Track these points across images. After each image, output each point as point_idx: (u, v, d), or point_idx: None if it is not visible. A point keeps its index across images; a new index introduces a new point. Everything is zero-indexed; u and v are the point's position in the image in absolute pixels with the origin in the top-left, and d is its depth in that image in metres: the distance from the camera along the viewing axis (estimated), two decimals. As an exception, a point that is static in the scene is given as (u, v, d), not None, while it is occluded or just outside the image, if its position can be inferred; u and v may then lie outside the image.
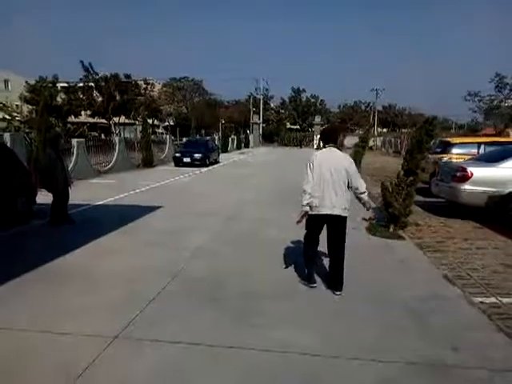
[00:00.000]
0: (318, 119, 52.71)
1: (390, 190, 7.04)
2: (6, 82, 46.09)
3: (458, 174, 8.02)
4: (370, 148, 36.82)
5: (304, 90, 66.77)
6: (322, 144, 4.52)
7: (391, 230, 6.94)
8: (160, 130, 52.33)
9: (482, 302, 4.11)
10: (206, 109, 52.76)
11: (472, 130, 53.00)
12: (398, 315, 3.81)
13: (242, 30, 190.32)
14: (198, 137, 41.39)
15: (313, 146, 43.55)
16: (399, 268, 5.24)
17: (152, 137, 23.12)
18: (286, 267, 5.15)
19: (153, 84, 46.78)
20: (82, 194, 10.07)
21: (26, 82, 39.45)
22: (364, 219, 7.80)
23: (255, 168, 20.12)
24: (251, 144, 47.93)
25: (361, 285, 4.54)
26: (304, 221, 4.44)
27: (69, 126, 28.18)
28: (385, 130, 74.46)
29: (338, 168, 4.19)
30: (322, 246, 4.64)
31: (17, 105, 30.92)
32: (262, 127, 57.46)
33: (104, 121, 42.81)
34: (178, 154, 20.86)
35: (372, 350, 3.19)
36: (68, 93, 40.40)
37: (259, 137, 54.47)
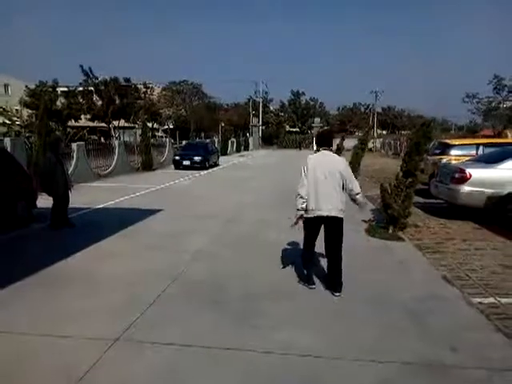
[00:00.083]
0: (317, 122, 52.81)
1: (389, 191, 7.07)
2: (6, 86, 46.17)
3: (457, 176, 8.05)
4: (370, 150, 36.89)
5: (303, 93, 67.01)
6: (316, 147, 4.58)
7: (390, 231, 6.96)
8: (159, 134, 52.39)
9: (480, 303, 4.14)
10: (206, 112, 52.83)
11: (471, 131, 53.12)
12: (397, 316, 3.83)
13: (240, 33, 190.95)
14: (197, 140, 41.47)
15: (312, 148, 43.65)
16: (398, 269, 5.26)
17: (151, 140, 23.19)
18: (284, 267, 5.19)
19: (152, 88, 46.82)
20: (82, 197, 10.10)
21: (26, 86, 39.53)
22: (363, 221, 7.83)
23: (255, 171, 20.16)
24: (251, 147, 47.99)
25: (360, 286, 4.56)
26: (301, 223, 4.49)
27: (69, 129, 28.22)
28: (384, 131, 74.55)
29: (332, 170, 4.25)
30: (321, 248, 4.67)
31: (17, 109, 30.95)
32: (262, 130, 57.59)
33: (104, 124, 42.82)
34: (177, 157, 20.90)
35: (372, 350, 3.21)
36: (68, 97, 40.45)
37: (259, 139, 54.58)
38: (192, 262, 5.48)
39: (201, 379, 2.88)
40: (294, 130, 65.91)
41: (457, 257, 5.75)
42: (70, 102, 39.83)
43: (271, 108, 68.04)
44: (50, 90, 39.07)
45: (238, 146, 42.02)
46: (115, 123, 43.01)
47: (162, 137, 43.46)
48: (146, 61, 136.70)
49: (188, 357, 3.15)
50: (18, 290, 4.46)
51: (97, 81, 40.23)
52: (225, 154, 33.57)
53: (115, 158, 17.40)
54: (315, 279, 4.63)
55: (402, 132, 66.79)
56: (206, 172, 19.42)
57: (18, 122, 26.89)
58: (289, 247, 6.02)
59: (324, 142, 4.49)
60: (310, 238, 4.50)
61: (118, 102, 40.79)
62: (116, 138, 34.62)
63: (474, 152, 11.09)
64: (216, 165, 23.26)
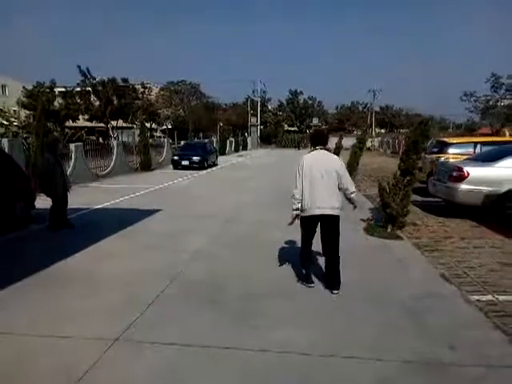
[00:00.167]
0: (315, 121, 52.88)
1: (388, 190, 7.08)
2: (3, 87, 46.09)
3: (455, 174, 8.08)
4: (368, 149, 36.96)
5: (301, 92, 67.05)
6: (311, 146, 4.62)
7: (389, 230, 6.98)
8: (158, 134, 52.39)
9: (478, 300, 4.15)
10: (204, 112, 52.77)
11: (469, 129, 53.23)
12: (396, 314, 3.85)
13: (239, 33, 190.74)
14: (195, 140, 41.45)
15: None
16: (397, 268, 5.27)
17: (150, 140, 23.16)
18: (283, 266, 5.20)
19: (150, 88, 46.79)
20: (80, 198, 10.09)
21: (24, 87, 39.46)
22: (362, 220, 7.84)
23: (253, 170, 20.17)
24: (249, 146, 47.97)
25: (359, 285, 4.58)
26: (298, 222, 4.53)
27: (67, 130, 28.23)
28: (382, 130, 74.63)
29: (328, 169, 4.28)
30: (319, 247, 4.68)
31: (14, 110, 30.91)
32: (260, 129, 57.56)
33: (102, 125, 42.78)
34: (176, 157, 20.89)
35: (370, 349, 3.22)
36: (65, 97, 40.40)
37: (257, 139, 54.55)
38: (191, 261, 5.49)
39: (200, 379, 2.89)
40: (293, 129, 65.94)
41: (455, 255, 5.77)
42: (68, 102, 39.78)
43: (269, 107, 68.04)
44: (48, 90, 39.02)
45: (236, 145, 42.00)
46: (113, 123, 42.96)
47: (160, 137, 43.46)
48: (144, 61, 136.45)
49: (187, 356, 3.15)
50: (17, 290, 4.46)
51: (94, 81, 40.16)
52: (223, 153, 33.56)
53: (113, 158, 17.38)
54: (314, 278, 4.64)
55: (401, 131, 66.86)
56: (204, 172, 19.42)
57: (15, 123, 26.84)
58: (287, 246, 6.03)
59: (319, 141, 4.52)
60: (307, 237, 4.53)
61: (115, 102, 40.74)
62: (114, 138, 34.56)
63: (471, 150, 11.12)
64: (215, 165, 23.26)
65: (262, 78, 69.27)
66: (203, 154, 21.32)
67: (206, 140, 31.72)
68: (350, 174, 13.46)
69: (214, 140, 35.60)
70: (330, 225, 4.35)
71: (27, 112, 33.30)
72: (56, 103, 39.22)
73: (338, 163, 4.39)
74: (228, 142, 38.86)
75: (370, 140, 41.68)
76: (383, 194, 7.11)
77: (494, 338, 3.42)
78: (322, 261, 4.90)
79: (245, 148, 45.58)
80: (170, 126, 53.51)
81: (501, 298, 4.21)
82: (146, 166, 19.39)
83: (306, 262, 4.64)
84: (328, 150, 4.56)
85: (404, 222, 7.10)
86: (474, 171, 7.91)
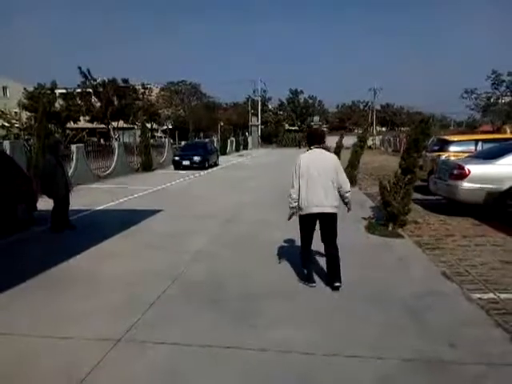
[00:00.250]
0: (316, 120, 52.79)
1: (389, 188, 7.08)
2: (4, 88, 46.21)
3: (456, 172, 8.06)
4: (369, 147, 36.89)
5: (302, 92, 67.01)
6: (308, 145, 4.66)
7: (390, 228, 6.98)
8: (159, 134, 52.47)
9: (480, 298, 4.15)
10: (205, 112, 52.84)
11: (470, 127, 53.13)
12: (397, 313, 3.85)
13: (239, 33, 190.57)
14: (196, 140, 41.47)
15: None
16: (398, 266, 5.27)
17: (151, 141, 23.20)
18: (284, 266, 5.20)
19: (150, 88, 46.88)
20: (82, 199, 10.12)
21: (25, 88, 39.56)
22: (363, 218, 7.84)
23: (254, 170, 20.17)
24: (250, 146, 47.98)
25: (360, 283, 4.58)
26: (296, 218, 4.59)
27: (68, 131, 28.26)
28: (383, 128, 74.53)
29: (325, 168, 4.34)
30: (317, 246, 4.69)
31: (15, 112, 30.99)
32: (261, 129, 57.56)
33: (103, 126, 42.88)
34: (177, 158, 20.91)
35: (371, 347, 3.22)
36: (66, 99, 40.51)
37: (258, 138, 54.55)
38: (192, 262, 5.50)
39: (202, 378, 2.90)
40: (293, 128, 65.88)
41: (456, 253, 5.77)
42: (69, 103, 39.90)
43: (270, 107, 68.03)
44: (49, 92, 39.13)
45: (237, 145, 42.02)
46: (114, 124, 43.05)
47: (161, 137, 43.53)
48: (144, 61, 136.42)
49: (189, 356, 3.16)
50: (19, 292, 4.48)
51: (95, 82, 40.24)
52: (224, 153, 33.58)
53: (115, 159, 17.41)
54: (315, 277, 4.65)
55: (402, 129, 66.74)
56: (205, 172, 19.43)
57: (16, 125, 26.97)
58: (288, 246, 6.04)
59: (315, 140, 4.57)
60: (306, 235, 4.55)
61: (116, 103, 40.85)
62: (116, 139, 34.62)
63: (472, 148, 11.09)
64: (216, 165, 23.27)
65: (262, 78, 69.14)
66: (204, 154, 21.33)
67: (207, 140, 31.73)
68: (352, 173, 13.39)
69: (215, 140, 35.63)
70: (328, 222, 4.42)
71: (28, 114, 33.40)
72: (57, 105, 39.32)
73: (334, 162, 4.45)
74: (229, 141, 38.88)
75: (370, 138, 41.60)
76: (384, 192, 7.11)
77: (495, 336, 3.42)
78: (322, 260, 4.91)
79: (245, 147, 45.58)
80: (170, 127, 53.60)
81: (502, 296, 4.21)
82: (147, 167, 19.41)
83: (307, 262, 4.66)
84: (326, 148, 4.58)
85: (405, 220, 7.10)
86: (475, 169, 7.90)
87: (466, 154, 10.12)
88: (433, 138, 14.45)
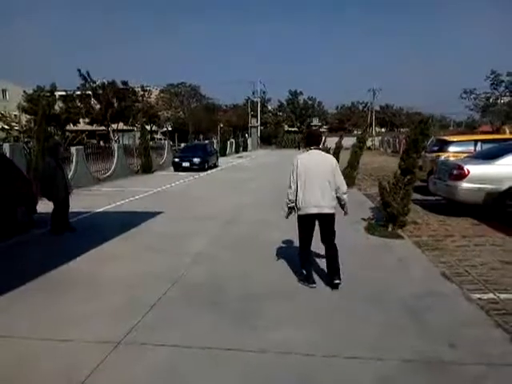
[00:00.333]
0: (315, 121, 52.86)
1: (388, 189, 7.09)
2: (3, 91, 46.20)
3: (455, 172, 8.07)
4: (369, 148, 36.95)
5: (301, 93, 67.09)
6: (304, 147, 4.76)
7: (390, 229, 6.98)
8: (158, 136, 52.44)
9: (480, 299, 4.15)
10: (204, 113, 52.90)
11: (469, 127, 53.16)
12: (397, 313, 3.85)
13: (238, 34, 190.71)
14: (196, 141, 41.50)
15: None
16: (398, 266, 5.28)
17: (150, 143, 23.20)
18: (284, 267, 5.20)
19: (150, 90, 46.92)
20: (81, 201, 10.13)
21: (24, 91, 39.56)
22: (363, 219, 7.85)
23: (254, 172, 20.18)
24: (249, 147, 48.01)
25: (360, 283, 4.59)
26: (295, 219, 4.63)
27: (67, 134, 28.27)
28: (383, 129, 74.58)
29: (323, 169, 4.39)
30: (316, 248, 4.70)
31: (15, 114, 30.99)
32: (260, 130, 57.60)
33: (102, 128, 42.89)
34: (176, 159, 20.93)
35: (371, 348, 3.23)
36: (66, 101, 40.52)
37: (257, 140, 54.59)
38: (192, 264, 5.50)
39: (202, 381, 2.90)
40: (293, 129, 65.94)
41: (456, 253, 5.77)
42: (68, 106, 39.91)
43: (269, 108, 68.11)
44: (48, 94, 39.12)
45: (236, 146, 42.06)
46: (114, 126, 43.05)
47: (160, 139, 43.49)
48: (144, 62, 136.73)
49: (189, 358, 3.17)
50: (19, 295, 4.48)
51: (95, 84, 40.28)
52: (224, 155, 33.59)
53: (114, 161, 17.41)
54: (315, 277, 4.65)
55: (401, 129, 66.79)
56: (205, 174, 19.44)
57: (16, 128, 26.97)
58: (288, 247, 6.04)
59: (313, 141, 4.61)
60: (305, 236, 4.58)
61: (116, 105, 40.86)
62: (115, 141, 34.62)
63: (472, 148, 11.11)
64: (215, 166, 23.28)
65: (261, 79, 69.25)
66: (204, 155, 21.35)
67: (207, 141, 31.78)
68: (351, 174, 13.40)
69: (215, 141, 35.67)
70: (326, 222, 4.47)
71: (28, 116, 33.38)
72: (56, 107, 39.31)
73: (332, 163, 4.49)
74: (228, 143, 38.92)
75: (370, 139, 41.68)
76: (384, 193, 7.12)
77: (495, 336, 3.42)
78: (320, 261, 4.91)
79: (245, 149, 45.61)
80: (170, 128, 53.65)
81: (502, 296, 4.21)
82: (147, 169, 19.42)
83: (306, 263, 4.66)
84: (326, 149, 4.62)
85: (405, 220, 7.11)
86: (475, 169, 7.91)
87: (466, 155, 10.14)
88: (432, 139, 14.48)
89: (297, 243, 4.86)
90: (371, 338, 3.41)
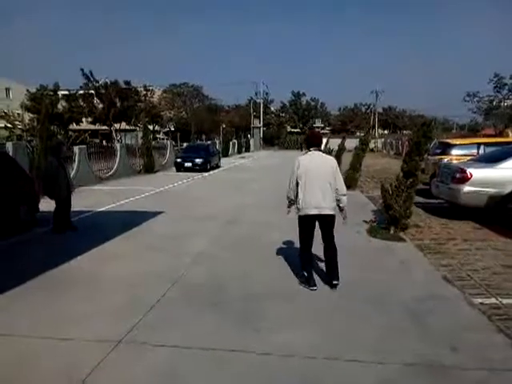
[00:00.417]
0: (318, 122, 52.84)
1: (390, 192, 7.07)
2: (7, 90, 46.33)
3: (458, 176, 8.05)
4: (371, 150, 36.84)
5: (304, 94, 67.09)
6: (306, 148, 4.72)
7: (392, 231, 6.97)
8: (161, 136, 52.50)
9: (481, 303, 4.13)
10: (207, 114, 52.98)
11: (472, 130, 53.02)
12: (398, 316, 3.84)
13: (240, 34, 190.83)
14: (198, 142, 41.53)
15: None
16: (399, 270, 5.26)
17: (153, 142, 23.21)
18: (285, 269, 5.19)
19: (152, 90, 46.97)
20: (83, 200, 10.14)
21: (27, 90, 39.66)
22: (365, 221, 7.83)
23: (256, 172, 20.18)
24: (252, 148, 48.04)
25: (361, 287, 4.57)
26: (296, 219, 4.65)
27: (70, 133, 28.34)
28: (385, 131, 74.48)
29: (323, 170, 4.41)
30: (316, 250, 4.69)
31: (18, 113, 31.07)
32: (263, 131, 57.63)
33: (105, 127, 42.96)
34: (179, 160, 20.95)
35: (372, 351, 3.21)
36: (69, 100, 40.59)
37: (260, 140, 54.64)
38: (193, 264, 5.49)
39: (202, 381, 2.89)
40: (296, 130, 65.94)
41: (458, 257, 5.75)
42: (71, 105, 39.94)
43: (272, 109, 68.12)
44: (51, 93, 39.18)
45: (239, 147, 42.09)
46: (116, 126, 43.11)
47: (163, 139, 43.55)
48: (146, 63, 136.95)
49: (189, 359, 3.16)
50: (20, 293, 4.48)
51: (97, 84, 40.35)
52: (226, 155, 33.62)
53: (117, 160, 17.44)
54: (316, 279, 4.65)
55: (404, 132, 66.69)
56: (207, 174, 19.46)
57: (19, 126, 27.04)
58: (290, 248, 6.02)
59: (314, 142, 4.63)
60: (305, 237, 4.59)
61: (118, 104, 40.90)
62: (118, 140, 34.69)
63: (474, 151, 11.09)
64: (217, 167, 23.29)
65: (264, 80, 69.17)
66: (206, 156, 21.36)
67: (209, 142, 31.79)
68: (353, 176, 13.36)
69: (217, 142, 35.68)
70: (326, 223, 4.51)
71: (31, 115, 33.46)
72: (59, 106, 39.37)
73: (332, 164, 4.52)
74: (231, 143, 38.94)
75: (372, 141, 41.59)
76: (386, 195, 7.10)
77: (496, 341, 3.40)
78: (321, 263, 4.90)
79: (247, 150, 45.63)
80: (172, 128, 53.68)
81: (504, 301, 4.18)
82: (149, 169, 19.44)
83: (307, 265, 4.65)
84: (329, 151, 4.63)
85: (407, 223, 7.09)
86: (477, 172, 7.89)
87: (468, 158, 10.11)
88: (435, 141, 14.45)
89: (297, 244, 4.85)
90: (372, 340, 3.40)
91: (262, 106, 57.83)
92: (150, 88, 46.05)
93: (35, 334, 3.53)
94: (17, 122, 27.93)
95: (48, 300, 4.30)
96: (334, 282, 4.49)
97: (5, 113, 28.57)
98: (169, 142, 25.85)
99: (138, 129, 40.55)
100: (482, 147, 11.22)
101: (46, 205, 7.83)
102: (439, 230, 7.51)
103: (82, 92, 41.26)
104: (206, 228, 7.62)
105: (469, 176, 7.85)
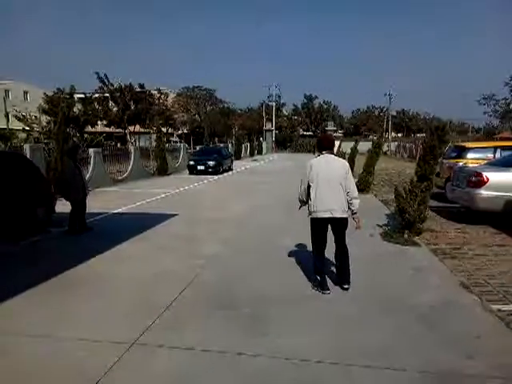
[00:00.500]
0: (331, 125, 52.52)
1: (404, 195, 7.00)
2: (25, 93, 47.38)
3: (474, 179, 7.92)
4: (385, 153, 36.52)
5: (316, 97, 66.96)
6: (318, 151, 4.73)
7: (406, 236, 6.88)
8: (174, 139, 52.95)
9: (499, 310, 4.05)
10: (220, 117, 53.31)
11: (489, 133, 52.10)
12: (413, 323, 3.78)
13: (253, 37, 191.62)
14: (211, 145, 41.80)
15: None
16: (414, 274, 5.19)
17: (166, 145, 23.42)
18: (298, 273, 5.17)
19: (166, 93, 47.47)
20: (99, 202, 10.29)
21: (45, 93, 40.48)
22: (378, 225, 7.76)
23: (268, 175, 20.17)
24: (264, 151, 48.11)
25: (374, 292, 4.53)
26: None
27: (86, 135, 28.81)
28: (399, 134, 73.74)
29: (335, 173, 4.41)
30: (330, 254, 4.67)
31: (35, 116, 31.71)
32: (275, 134, 57.64)
33: (120, 130, 43.58)
34: (191, 162, 21.08)
35: (385, 357, 3.18)
36: (84, 103, 41.29)
37: (272, 143, 54.67)
38: (207, 266, 5.52)
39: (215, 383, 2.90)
40: (308, 133, 65.78)
41: (475, 262, 5.65)
42: (87, 108, 40.59)
43: (284, 112, 68.11)
44: (68, 96, 39.89)
45: (251, 150, 42.20)
46: (131, 129, 43.68)
47: (176, 142, 43.89)
48: (160, 66, 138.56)
49: (203, 361, 3.17)
50: (36, 294, 4.57)
51: (112, 87, 40.97)
52: (238, 158, 33.75)
53: (131, 163, 17.66)
54: (329, 283, 4.62)
55: (418, 135, 65.90)
56: (219, 177, 19.53)
57: (36, 129, 27.59)
58: (303, 252, 6.01)
59: (326, 145, 4.62)
60: (318, 240, 4.59)
61: (133, 107, 41.48)
62: (132, 143, 35.13)
63: (491, 155, 10.90)
64: (230, 169, 23.37)
65: (276, 83, 69.19)
66: (218, 159, 21.46)
67: (222, 145, 31.90)
68: (367, 179, 13.26)
69: (230, 145, 35.82)
70: (338, 226, 4.52)
71: (48, 118, 34.11)
72: (75, 109, 40.07)
73: (344, 167, 4.51)
74: (243, 146, 39.07)
75: (386, 144, 41.21)
76: (400, 199, 7.03)
77: (515, 348, 3.33)
78: (334, 267, 4.87)
79: (260, 153, 45.71)
80: (186, 131, 54.12)
81: (522, 307, 4.10)
82: (163, 171, 19.62)
83: (320, 270, 4.64)
84: (342, 154, 4.63)
85: (421, 228, 7.00)
86: (494, 176, 7.74)
87: (484, 161, 9.94)
88: (450, 145, 14.25)
89: (310, 248, 4.84)
90: (386, 346, 3.36)
91: (274, 108, 57.89)
92: (164, 91, 46.57)
93: (50, 335, 3.59)
94: (34, 125, 28.52)
95: (64, 301, 4.36)
96: (345, 286, 4.52)
97: (23, 116, 29.21)
98: (182, 145, 26.05)
99: (151, 131, 40.97)
100: (498, 151, 11.02)
101: (62, 206, 7.97)
102: (455, 234, 7.38)
103: (97, 95, 41.96)
104: (218, 230, 7.65)
105: (485, 180, 7.71)
